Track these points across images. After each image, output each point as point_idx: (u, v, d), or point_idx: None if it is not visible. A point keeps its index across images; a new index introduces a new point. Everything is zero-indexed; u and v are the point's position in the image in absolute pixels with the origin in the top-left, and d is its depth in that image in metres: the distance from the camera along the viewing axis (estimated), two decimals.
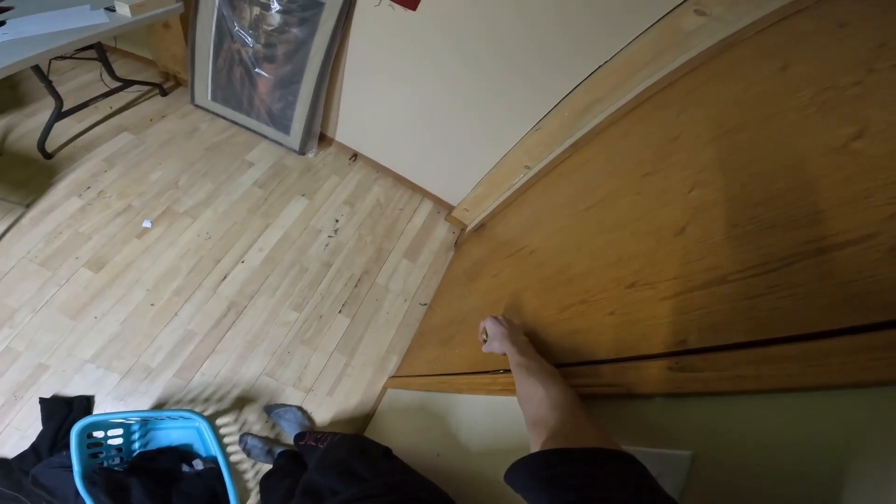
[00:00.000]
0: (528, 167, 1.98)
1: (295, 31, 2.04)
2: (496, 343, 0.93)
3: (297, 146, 2.50)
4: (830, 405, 0.44)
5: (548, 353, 0.94)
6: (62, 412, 1.58)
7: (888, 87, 0.60)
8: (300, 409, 1.86)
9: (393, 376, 2.05)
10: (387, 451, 0.98)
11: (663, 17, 1.33)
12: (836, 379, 0.43)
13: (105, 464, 1.44)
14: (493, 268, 1.69)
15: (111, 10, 1.86)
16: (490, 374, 1.10)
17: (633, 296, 0.79)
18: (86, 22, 1.79)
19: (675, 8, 1.29)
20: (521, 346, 0.88)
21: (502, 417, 1.00)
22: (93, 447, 1.40)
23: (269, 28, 2.08)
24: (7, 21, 1.70)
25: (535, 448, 0.57)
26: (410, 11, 1.77)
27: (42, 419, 1.57)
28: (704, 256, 0.68)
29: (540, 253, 1.34)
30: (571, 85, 1.66)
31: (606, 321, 0.82)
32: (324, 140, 2.65)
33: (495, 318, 1.01)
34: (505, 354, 0.90)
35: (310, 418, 1.86)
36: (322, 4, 1.91)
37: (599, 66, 1.55)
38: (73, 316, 1.75)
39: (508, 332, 0.93)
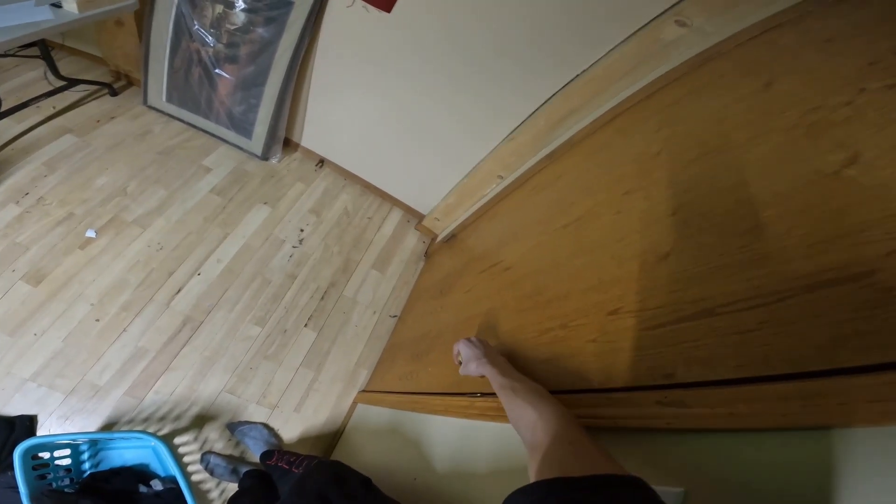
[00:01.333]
0: (501, 177, 1.97)
1: (260, 30, 1.96)
2: (472, 365, 0.91)
3: (259, 151, 2.40)
4: (826, 444, 0.43)
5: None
6: (4, 432, 1.48)
7: (881, 109, 0.59)
8: (266, 426, 1.78)
9: (363, 391, 1.99)
10: (366, 482, 0.95)
11: (643, 26, 1.32)
12: (835, 420, 0.42)
13: (54, 485, 1.35)
14: (466, 283, 1.67)
15: (57, 5, 1.74)
16: (467, 397, 1.07)
17: (615, 323, 0.76)
18: (28, 18, 1.67)
19: (655, 17, 1.29)
20: (501, 366, 0.85)
21: (482, 442, 0.98)
22: (39, 468, 1.31)
23: (233, 27, 1.99)
24: None
25: (533, 475, 0.53)
26: (385, 13, 1.72)
27: None
28: (691, 286, 0.66)
29: (515, 270, 1.32)
30: (548, 94, 1.65)
31: (588, 348, 0.80)
32: (289, 145, 2.57)
33: (468, 340, 0.98)
34: (483, 377, 0.88)
35: (276, 435, 1.79)
36: (291, 4, 1.84)
37: (577, 75, 1.55)
38: (11, 332, 1.62)
39: (484, 353, 0.91)
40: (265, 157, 2.44)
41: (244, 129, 2.34)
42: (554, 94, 1.63)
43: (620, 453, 0.61)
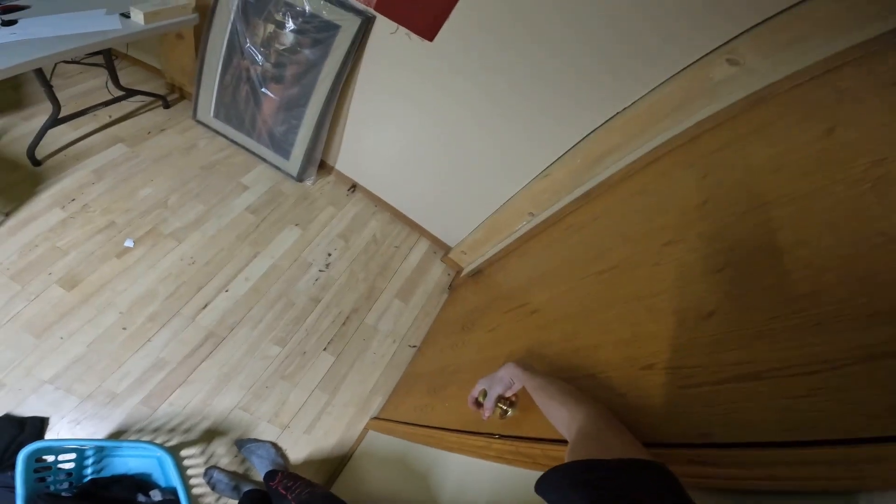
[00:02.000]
0: (532, 214, 1.94)
1: (307, 52, 2.02)
2: (505, 378, 0.89)
3: (295, 172, 2.46)
4: None
5: (545, 428, 0.86)
6: (12, 431, 1.49)
7: None
8: (274, 445, 1.76)
9: (376, 418, 1.96)
10: None
11: (691, 64, 1.29)
12: (882, 484, 0.42)
13: (52, 488, 1.34)
14: (490, 320, 1.63)
15: (126, 16, 1.86)
16: (484, 437, 1.04)
17: (648, 379, 0.74)
18: (98, 27, 1.78)
19: (705, 55, 1.25)
20: (532, 370, 0.86)
21: (498, 484, 0.95)
22: (41, 471, 1.31)
23: (281, 47, 2.07)
24: (19, 20, 1.68)
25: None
26: (427, 42, 1.75)
27: None
28: (736, 347, 0.63)
29: (543, 314, 1.28)
30: (587, 130, 1.63)
31: (616, 401, 0.77)
32: (323, 168, 2.62)
33: (492, 375, 0.95)
34: (507, 395, 0.90)
35: (283, 456, 1.76)
36: (338, 27, 1.90)
37: (618, 113, 1.52)
38: (38, 335, 1.66)
39: (514, 363, 0.90)
40: (300, 178, 2.49)
41: (283, 149, 2.41)
42: (593, 131, 1.61)
43: None
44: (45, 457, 1.33)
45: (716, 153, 1.10)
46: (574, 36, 1.45)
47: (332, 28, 1.91)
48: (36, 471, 1.30)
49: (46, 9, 1.78)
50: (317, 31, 1.95)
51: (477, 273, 2.28)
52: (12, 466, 1.29)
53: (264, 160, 2.51)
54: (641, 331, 0.84)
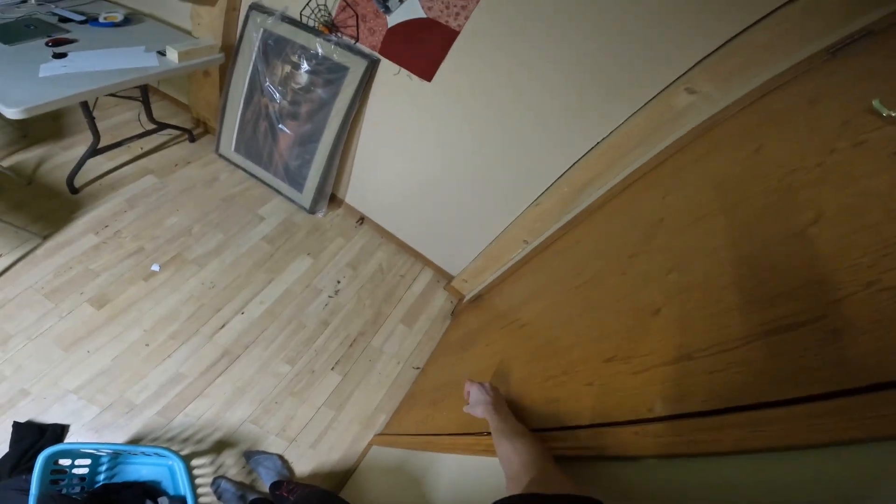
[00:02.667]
0: (526, 242, 2.05)
1: (319, 91, 2.18)
2: (479, 409, 0.97)
3: (307, 205, 2.60)
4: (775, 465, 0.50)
5: (531, 419, 0.98)
6: (33, 437, 1.56)
7: (845, 168, 0.66)
8: (281, 457, 1.81)
9: (379, 434, 2.02)
10: None
11: (657, 95, 1.41)
12: (776, 443, 0.48)
13: (65, 491, 1.38)
14: (487, 338, 1.73)
15: (162, 54, 2.03)
16: (474, 436, 1.12)
17: (610, 369, 0.83)
18: (139, 63, 1.94)
19: (667, 87, 1.37)
20: (503, 413, 0.92)
21: (486, 478, 1.01)
22: (56, 474, 1.35)
23: (297, 86, 2.22)
24: (69, 54, 1.84)
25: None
26: (426, 82, 1.90)
27: (10, 442, 1.54)
28: (676, 335, 0.72)
29: (530, 326, 1.38)
30: (571, 161, 1.75)
31: (584, 391, 0.86)
32: (334, 201, 2.77)
33: (482, 385, 1.04)
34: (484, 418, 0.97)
35: (289, 468, 1.81)
36: (347, 69, 2.05)
37: (597, 143, 1.64)
38: (67, 348, 1.77)
39: (493, 401, 0.97)
40: (312, 210, 2.63)
41: (297, 182, 2.55)
42: (577, 161, 1.72)
43: (606, 479, 0.69)
44: (61, 461, 1.38)
45: (674, 175, 1.22)
46: (556, 75, 1.58)
47: (341, 69, 2.06)
48: (52, 472, 1.33)
49: (93, 43, 1.95)
50: (328, 72, 2.10)
51: (477, 298, 2.39)
52: (29, 470, 1.34)
53: (279, 193, 2.67)
54: (607, 329, 0.94)
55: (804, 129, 0.83)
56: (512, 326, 1.53)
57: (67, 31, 1.99)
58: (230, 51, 2.33)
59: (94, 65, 1.83)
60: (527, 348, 1.29)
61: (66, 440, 1.64)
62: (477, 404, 0.99)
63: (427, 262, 2.74)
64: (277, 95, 2.28)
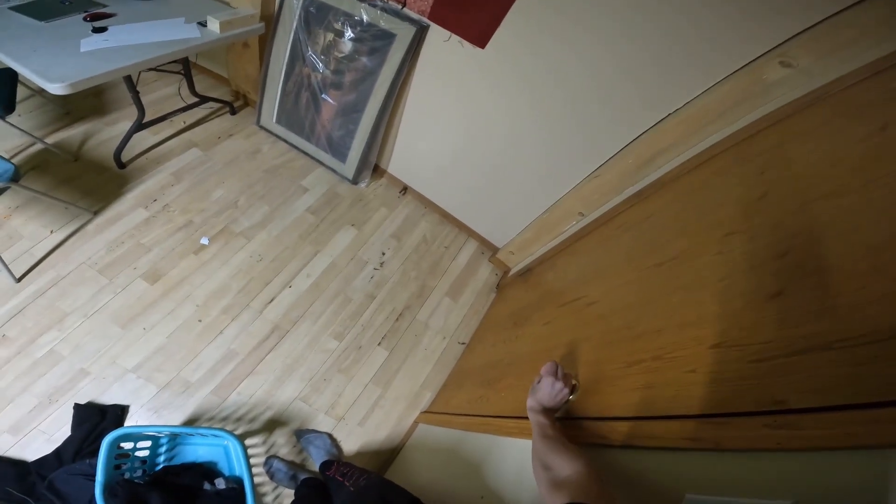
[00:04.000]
0: (581, 214, 1.94)
1: (364, 59, 2.08)
2: (541, 404, 0.92)
3: (351, 175, 2.54)
4: None
5: (613, 406, 0.93)
6: (94, 419, 1.58)
7: None
8: (330, 436, 1.82)
9: (425, 412, 2.00)
10: (414, 501, 0.97)
11: (744, 66, 1.29)
12: None
13: (127, 475, 1.39)
14: (543, 315, 1.66)
15: (203, 24, 1.96)
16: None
17: (717, 356, 0.77)
18: (180, 35, 1.87)
19: (758, 57, 1.25)
20: (551, 420, 0.88)
21: None
22: (119, 458, 1.35)
23: (340, 55, 2.13)
24: (109, 28, 1.78)
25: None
26: (479, 49, 1.78)
27: (72, 425, 1.57)
28: (805, 323, 0.66)
29: (601, 305, 1.31)
30: (638, 131, 1.62)
31: (686, 378, 0.81)
32: (376, 171, 2.70)
33: (556, 380, 0.97)
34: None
35: (338, 447, 1.82)
36: (394, 36, 1.94)
37: (671, 113, 1.52)
38: (123, 325, 1.78)
39: (548, 401, 0.93)
40: (355, 181, 2.57)
41: (340, 153, 2.49)
42: (645, 132, 1.60)
43: (724, 469, 0.64)
44: (123, 444, 1.37)
45: (773, 150, 1.12)
46: (627, 40, 1.45)
47: (388, 37, 1.96)
48: (116, 457, 1.32)
49: (131, 17, 1.89)
50: (374, 40, 2.00)
51: (526, 272, 2.30)
52: (92, 453, 1.36)
53: (322, 164, 2.61)
54: (706, 313, 0.87)
55: None
56: (576, 304, 1.46)
57: (104, 6, 1.93)
58: (270, 20, 2.23)
59: (135, 38, 1.78)
60: (599, 329, 1.22)
61: (126, 421, 1.65)
62: (540, 400, 0.93)
63: (471, 233, 2.66)
64: (320, 65, 2.19)
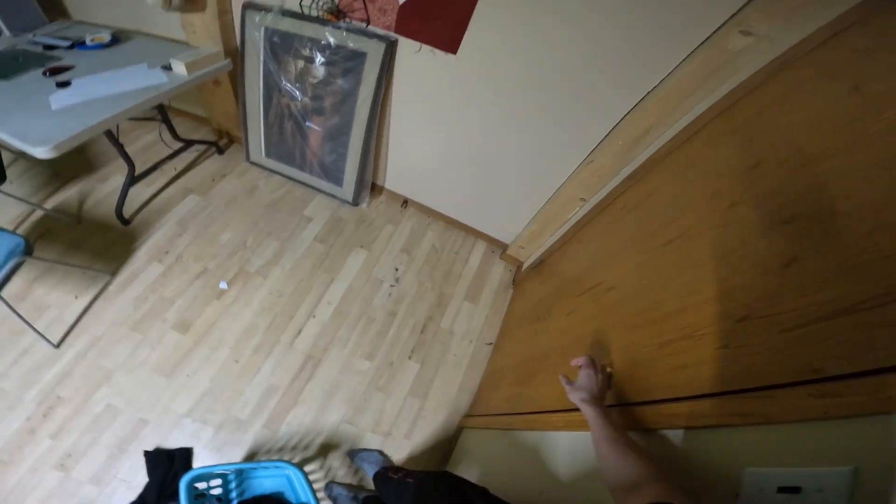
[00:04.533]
0: (583, 200, 2.04)
1: (340, 82, 2.15)
2: (588, 396, 0.97)
3: (350, 198, 2.66)
4: None
5: (654, 389, 0.98)
6: (165, 464, 1.72)
7: None
8: (381, 452, 1.93)
9: (468, 415, 2.11)
10: (483, 492, 1.04)
11: (708, 38, 1.37)
12: None
13: None
14: (565, 306, 1.73)
15: (167, 68, 2.04)
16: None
17: (746, 329, 0.81)
18: (148, 81, 1.94)
19: (717, 30, 1.34)
20: (607, 411, 0.93)
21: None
22: (198, 498, 1.47)
23: (315, 80, 2.20)
24: (73, 81, 1.85)
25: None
26: (451, 55, 1.86)
27: (147, 471, 1.71)
28: (824, 287, 0.70)
29: (619, 290, 1.36)
30: (621, 114, 1.72)
31: (719, 354, 0.85)
32: (374, 189, 2.83)
33: (594, 369, 1.05)
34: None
35: (390, 461, 1.92)
36: (364, 54, 2.01)
37: (648, 93, 1.61)
38: (167, 375, 1.92)
39: (599, 390, 0.99)
40: (356, 202, 2.69)
41: (335, 177, 2.60)
42: (628, 113, 1.70)
43: (779, 439, 0.68)
44: (197, 485, 1.49)
45: (755, 118, 1.18)
46: (597, 22, 1.52)
47: (359, 56, 2.02)
48: (195, 497, 1.44)
49: (90, 67, 1.97)
50: (345, 61, 2.06)
51: (539, 265, 2.39)
52: (173, 495, 1.48)
53: (320, 191, 2.73)
54: (726, 287, 0.92)
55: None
56: (595, 292, 1.52)
57: (60, 59, 2.00)
58: (235, 55, 2.32)
59: (103, 90, 1.85)
60: (622, 314, 1.27)
61: (193, 462, 1.79)
62: (581, 389, 1.00)
63: (479, 235, 2.78)
64: (297, 93, 2.27)
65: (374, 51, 1.98)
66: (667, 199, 1.41)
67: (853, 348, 0.62)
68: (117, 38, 2.26)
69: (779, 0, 1.20)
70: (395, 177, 2.74)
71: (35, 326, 1.86)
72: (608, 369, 1.13)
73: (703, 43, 1.40)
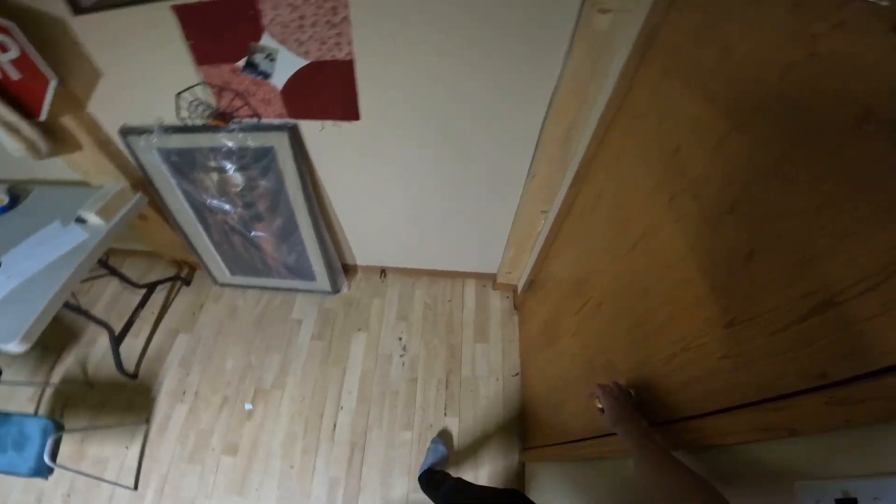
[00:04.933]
0: (545, 212, 2.28)
1: (263, 183, 2.29)
2: (615, 420, 1.08)
3: (328, 287, 2.95)
4: None
5: (674, 408, 1.04)
6: None
7: (838, 57, 0.65)
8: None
9: (525, 449, 2.37)
10: None
11: (575, 28, 1.54)
12: None
13: None
14: (567, 326, 1.85)
15: (81, 221, 2.20)
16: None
17: (738, 334, 0.84)
18: (71, 242, 2.12)
19: (580, 16, 1.49)
20: (644, 430, 0.99)
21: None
22: None
23: (238, 189, 2.36)
24: (1, 261, 1.99)
25: None
26: (356, 122, 2.03)
27: None
28: (793, 281, 0.72)
29: (609, 305, 1.45)
30: (535, 126, 1.97)
31: (724, 365, 0.87)
32: (348, 270, 3.10)
33: (609, 388, 1.15)
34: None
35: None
36: (271, 148, 2.12)
37: (551, 99, 1.82)
38: (240, 493, 2.28)
39: (623, 411, 1.08)
40: (336, 289, 2.96)
41: (306, 273, 2.87)
42: (544, 122, 1.92)
43: (823, 448, 0.71)
44: None
45: (654, 97, 1.24)
46: (468, 48, 1.72)
47: (266, 152, 2.13)
48: None
49: (3, 239, 2.15)
50: (257, 161, 2.17)
51: (531, 284, 2.62)
52: None
53: (298, 290, 3.03)
54: (701, 290, 0.93)
55: (763, 24, 0.84)
56: (587, 309, 1.63)
57: None
58: (143, 185, 2.43)
59: (34, 264, 2.04)
60: (620, 331, 1.34)
61: None
62: (609, 416, 1.11)
63: (464, 276, 3.10)
64: (227, 206, 2.45)
65: (279, 142, 2.08)
66: (613, 199, 1.49)
67: (848, 346, 0.64)
68: (16, 195, 2.39)
69: None
70: (362, 252, 3.04)
71: (105, 478, 2.28)
72: (626, 388, 1.22)
73: (574, 34, 1.55)
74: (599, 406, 1.20)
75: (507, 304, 3.13)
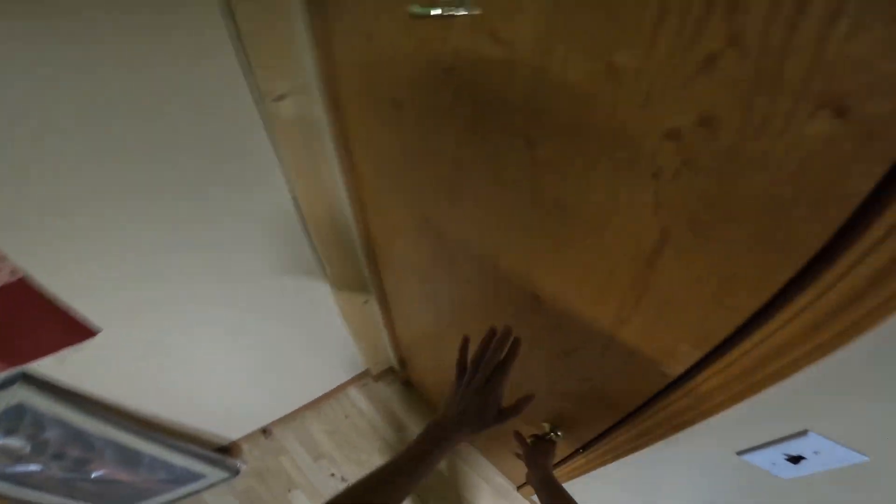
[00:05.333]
0: (366, 301, 2.31)
1: (48, 434, 1.88)
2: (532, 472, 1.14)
3: (225, 474, 2.71)
4: None
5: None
6: None
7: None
8: None
9: (519, 487, 2.43)
10: None
11: (269, 129, 1.39)
12: None
13: None
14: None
15: None
16: (580, 455, 1.31)
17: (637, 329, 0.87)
18: None
19: (264, 118, 1.36)
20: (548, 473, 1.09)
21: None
22: None
23: (27, 451, 1.93)
24: None
25: None
26: (99, 336, 1.68)
27: None
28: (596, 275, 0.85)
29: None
30: (299, 230, 1.84)
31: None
32: (231, 448, 2.90)
33: (520, 437, 1.22)
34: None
35: None
36: (18, 404, 1.77)
37: (293, 197, 1.65)
38: None
39: (528, 459, 1.16)
40: (233, 471, 2.69)
41: (190, 476, 2.60)
42: (306, 226, 1.80)
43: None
44: None
45: (371, 138, 1.29)
46: (162, 192, 1.44)
47: (20, 409, 1.77)
48: None
49: None
50: (17, 419, 1.81)
51: (403, 363, 2.82)
52: None
53: (197, 491, 2.77)
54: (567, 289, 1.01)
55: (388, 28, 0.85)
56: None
57: None
58: None
59: None
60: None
61: None
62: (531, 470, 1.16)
63: (342, 388, 3.12)
64: (32, 467, 1.89)
65: (17, 392, 1.75)
66: (408, 249, 1.50)
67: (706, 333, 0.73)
68: None
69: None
70: (225, 426, 2.81)
71: None
72: (548, 435, 1.31)
73: (274, 134, 1.42)
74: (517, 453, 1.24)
75: (397, 385, 3.27)
